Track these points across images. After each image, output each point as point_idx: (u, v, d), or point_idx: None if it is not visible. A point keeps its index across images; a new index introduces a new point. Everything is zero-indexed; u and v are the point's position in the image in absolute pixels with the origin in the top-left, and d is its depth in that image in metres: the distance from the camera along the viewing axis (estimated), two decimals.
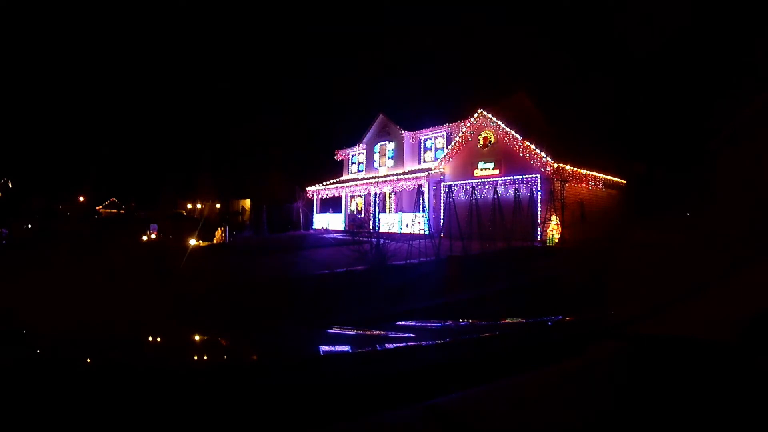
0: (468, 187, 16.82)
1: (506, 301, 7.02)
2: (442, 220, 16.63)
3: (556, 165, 14.87)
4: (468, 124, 17.69)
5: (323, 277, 8.58)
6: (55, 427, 0.74)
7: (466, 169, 17.64)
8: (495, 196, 13.73)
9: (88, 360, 1.24)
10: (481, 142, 17.30)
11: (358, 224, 21.01)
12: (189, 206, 44.38)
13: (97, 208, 60.66)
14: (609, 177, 17.88)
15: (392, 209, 21.82)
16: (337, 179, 25.10)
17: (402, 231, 18.52)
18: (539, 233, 14.59)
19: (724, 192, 14.51)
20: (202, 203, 39.63)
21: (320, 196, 25.03)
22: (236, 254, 15.97)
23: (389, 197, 22.33)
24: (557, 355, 1.20)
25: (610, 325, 1.39)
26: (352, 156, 24.98)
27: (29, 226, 29.39)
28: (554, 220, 14.41)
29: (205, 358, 1.46)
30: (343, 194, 23.57)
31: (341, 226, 22.58)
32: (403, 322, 2.35)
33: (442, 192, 17.71)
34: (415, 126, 21.27)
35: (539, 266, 9.69)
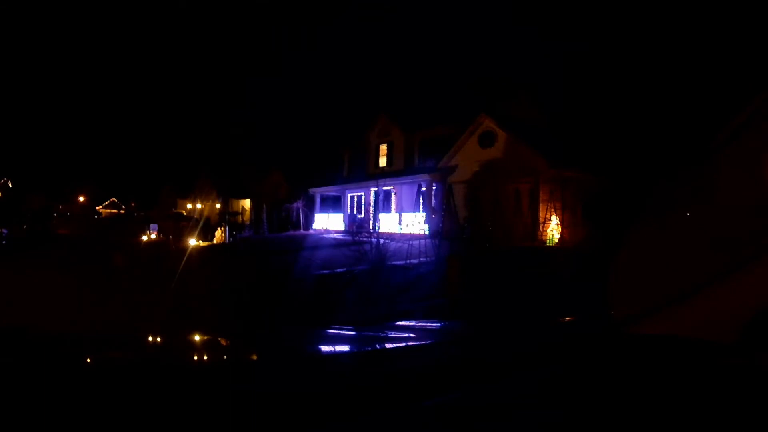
0: (468, 187, 16.81)
1: (506, 302, 7.02)
2: (442, 220, 16.62)
3: (556, 165, 14.87)
4: (468, 124, 17.68)
5: (324, 278, 8.59)
6: (55, 426, 0.74)
7: (466, 169, 17.63)
8: (495, 197, 13.74)
9: (88, 360, 1.24)
10: (482, 142, 17.30)
11: (358, 224, 21.01)
12: (189, 206, 44.34)
13: (97, 208, 60.67)
14: (609, 177, 17.86)
15: (392, 209, 21.82)
16: (338, 179, 25.09)
17: (402, 231, 18.51)
18: (539, 233, 14.59)
19: (723, 191, 14.50)
20: (202, 203, 39.60)
21: (320, 196, 25.02)
22: (236, 254, 15.97)
23: (389, 197, 22.33)
24: (557, 355, 1.20)
25: (610, 325, 1.39)
26: (353, 156, 24.97)
27: (29, 225, 29.40)
28: (554, 220, 14.42)
29: (206, 357, 1.46)
30: (343, 194, 23.56)
31: (341, 226, 22.58)
32: (403, 322, 2.35)
33: (443, 192, 17.71)
34: (415, 126, 21.26)
35: (539, 266, 9.69)
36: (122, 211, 61.03)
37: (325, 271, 9.14)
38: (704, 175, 16.33)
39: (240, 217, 33.43)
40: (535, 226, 14.65)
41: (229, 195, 36.86)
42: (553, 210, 14.46)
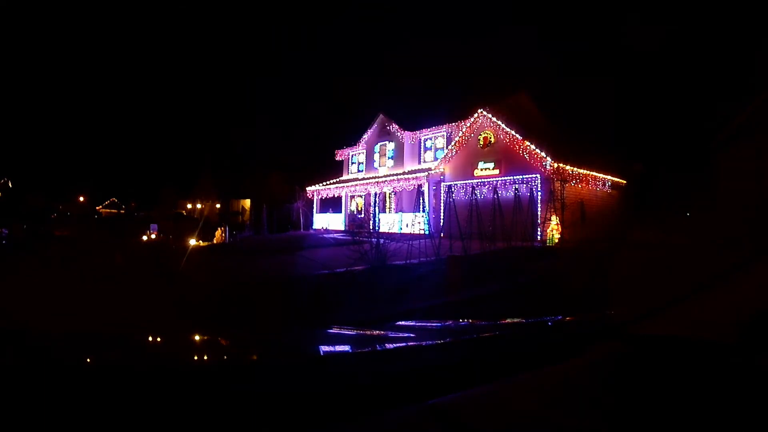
0: (468, 187, 16.81)
1: (506, 301, 7.02)
2: (442, 220, 16.62)
3: (556, 165, 14.87)
4: (468, 124, 17.68)
5: (323, 277, 8.57)
6: (55, 427, 0.74)
7: (466, 169, 17.64)
8: (495, 196, 13.73)
9: (88, 360, 1.24)
10: (481, 142, 17.30)
11: (358, 224, 21.01)
12: (189, 206, 44.33)
13: (97, 208, 60.70)
14: (609, 177, 17.89)
15: (392, 209, 21.81)
16: (337, 179, 25.09)
17: (402, 231, 18.52)
18: (539, 233, 14.58)
19: (724, 192, 14.51)
20: (202, 203, 39.61)
21: (320, 196, 25.02)
22: (236, 254, 15.97)
23: (389, 197, 22.33)
24: (557, 356, 1.20)
25: (610, 325, 1.39)
26: (352, 156, 24.97)
27: (29, 225, 29.39)
28: (554, 220, 14.41)
29: (206, 358, 1.46)
30: (343, 194, 23.56)
31: (341, 226, 22.57)
32: (403, 322, 2.35)
33: (442, 192, 17.70)
34: (415, 126, 21.26)
35: (539, 266, 9.69)
36: (122, 211, 61.04)
37: (325, 271, 9.12)
38: (705, 175, 16.34)
39: (240, 217, 33.46)
40: (535, 226, 14.65)
41: (229, 195, 36.88)
42: (553, 210, 14.46)
